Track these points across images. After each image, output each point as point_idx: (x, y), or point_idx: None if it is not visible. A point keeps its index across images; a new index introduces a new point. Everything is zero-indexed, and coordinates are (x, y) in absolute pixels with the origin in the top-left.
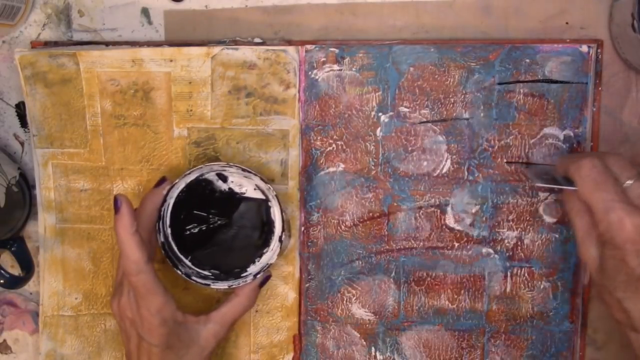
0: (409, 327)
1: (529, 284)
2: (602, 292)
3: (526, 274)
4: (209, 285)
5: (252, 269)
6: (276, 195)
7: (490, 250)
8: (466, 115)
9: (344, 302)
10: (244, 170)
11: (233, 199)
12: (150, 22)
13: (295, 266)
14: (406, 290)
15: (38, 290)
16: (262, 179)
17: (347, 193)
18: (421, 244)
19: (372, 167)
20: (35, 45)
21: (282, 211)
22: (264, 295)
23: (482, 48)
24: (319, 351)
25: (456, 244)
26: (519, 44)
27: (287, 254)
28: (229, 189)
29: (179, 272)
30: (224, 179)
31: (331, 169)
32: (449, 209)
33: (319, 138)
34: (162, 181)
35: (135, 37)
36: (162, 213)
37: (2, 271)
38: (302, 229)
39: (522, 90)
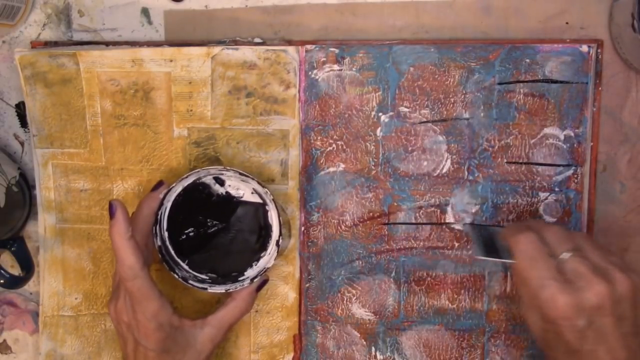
0: (409, 327)
1: None
2: (547, 358)
3: None
4: (206, 289)
5: (250, 272)
6: (273, 199)
7: None
8: (466, 115)
9: (344, 302)
10: (241, 174)
11: (230, 202)
12: (150, 22)
13: (295, 266)
14: (406, 290)
15: (38, 290)
16: (259, 182)
17: (347, 193)
18: (421, 243)
19: (372, 167)
20: (35, 45)
21: (279, 215)
22: (264, 295)
23: (482, 48)
24: (319, 351)
25: (456, 244)
26: (519, 44)
27: (287, 254)
28: (226, 192)
29: (175, 275)
30: (222, 182)
31: (331, 169)
32: (449, 208)
33: (319, 138)
34: (159, 185)
35: (135, 37)
36: (159, 217)
37: (2, 271)
38: (302, 229)
39: (522, 90)
